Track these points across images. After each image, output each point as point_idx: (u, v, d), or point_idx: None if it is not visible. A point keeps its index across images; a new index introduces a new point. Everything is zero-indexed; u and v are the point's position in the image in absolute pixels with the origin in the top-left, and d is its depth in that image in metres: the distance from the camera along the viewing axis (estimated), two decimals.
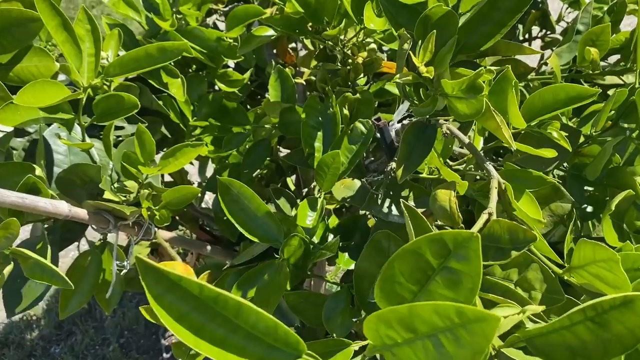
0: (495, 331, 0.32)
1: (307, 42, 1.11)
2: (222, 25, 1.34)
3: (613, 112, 0.70)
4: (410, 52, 0.48)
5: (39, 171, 0.72)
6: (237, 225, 0.68)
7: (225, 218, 1.09)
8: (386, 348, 0.38)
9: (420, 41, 0.48)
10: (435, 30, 0.47)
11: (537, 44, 1.19)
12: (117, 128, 0.93)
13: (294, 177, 1.23)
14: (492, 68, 0.47)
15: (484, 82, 0.45)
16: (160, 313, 0.36)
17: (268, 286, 0.64)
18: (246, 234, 0.67)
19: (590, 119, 0.76)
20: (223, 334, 0.37)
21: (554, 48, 1.11)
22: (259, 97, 1.48)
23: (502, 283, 0.50)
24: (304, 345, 0.38)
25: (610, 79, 0.88)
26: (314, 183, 0.87)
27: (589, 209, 0.72)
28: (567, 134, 0.62)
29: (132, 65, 0.75)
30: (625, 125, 0.69)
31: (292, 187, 1.15)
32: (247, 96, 1.30)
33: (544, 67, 0.93)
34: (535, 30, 1.18)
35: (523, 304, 0.44)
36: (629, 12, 0.87)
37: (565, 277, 0.51)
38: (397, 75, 0.49)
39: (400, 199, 0.49)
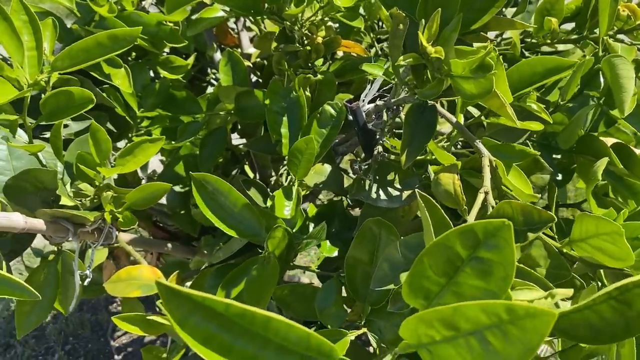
0: (550, 327, 0.31)
1: (253, 25, 1.07)
2: (153, 10, 1.26)
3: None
4: (419, 33, 0.46)
5: None
6: (215, 222, 0.64)
7: (182, 212, 1.04)
8: (422, 346, 0.36)
9: (423, 20, 0.46)
10: (440, 9, 0.45)
11: None
12: None
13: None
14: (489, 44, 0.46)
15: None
16: (185, 337, 0.33)
17: (257, 281, 0.61)
18: (227, 231, 0.64)
19: (552, 88, 0.77)
20: (253, 351, 0.34)
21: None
22: (197, 82, 1.42)
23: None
24: (337, 351, 0.37)
25: (562, 47, 0.90)
26: (283, 169, 0.84)
27: (559, 176, 0.74)
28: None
29: (82, 56, 0.68)
30: (591, 93, 0.71)
31: (251, 175, 1.12)
32: (188, 82, 1.24)
33: (498, 39, 0.94)
34: None
35: (538, 284, 0.44)
36: None
37: (565, 250, 0.52)
38: (401, 58, 0.47)
39: (415, 189, 0.47)
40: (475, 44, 0.54)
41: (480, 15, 0.50)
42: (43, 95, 0.70)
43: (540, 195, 0.55)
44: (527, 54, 0.93)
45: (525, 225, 0.46)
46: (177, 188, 1.01)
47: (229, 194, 0.64)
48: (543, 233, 0.55)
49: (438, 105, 0.54)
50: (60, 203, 0.71)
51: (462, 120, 0.61)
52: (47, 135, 0.89)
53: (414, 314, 0.35)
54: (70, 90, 0.67)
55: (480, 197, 0.52)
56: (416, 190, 0.44)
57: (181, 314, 0.33)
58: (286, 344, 0.35)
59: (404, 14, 0.47)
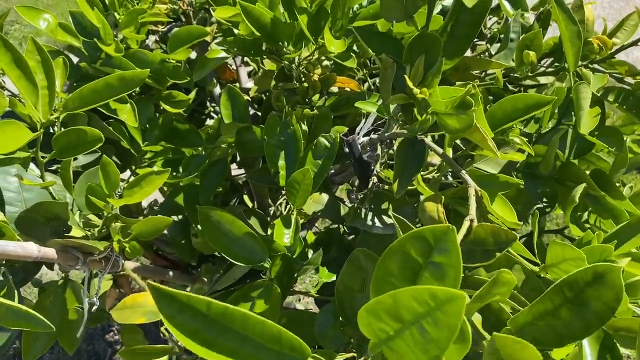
0: (463, 308, 0.35)
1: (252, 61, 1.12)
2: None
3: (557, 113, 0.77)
4: (405, 76, 0.51)
5: (1, 215, 0.69)
6: (220, 250, 0.68)
7: (183, 242, 1.07)
8: (383, 343, 0.39)
9: (408, 65, 0.52)
10: (424, 54, 0.50)
11: (467, 53, 1.26)
12: None
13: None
14: (471, 83, 0.51)
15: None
16: (175, 332, 0.38)
17: (262, 309, 0.64)
18: (230, 259, 0.67)
19: (531, 120, 0.82)
20: (233, 346, 0.39)
21: (487, 54, 1.18)
22: (197, 114, 1.47)
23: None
24: (308, 349, 0.41)
25: (544, 80, 0.96)
26: (282, 199, 0.88)
27: (540, 204, 0.79)
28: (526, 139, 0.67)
29: (91, 97, 0.73)
30: (568, 123, 0.76)
31: (250, 205, 1.16)
32: (188, 115, 1.29)
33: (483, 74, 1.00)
34: None
35: (515, 300, 0.48)
36: (554, 19, 0.95)
37: (542, 274, 0.56)
38: (390, 98, 0.52)
39: (390, 212, 0.51)
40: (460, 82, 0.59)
41: (457, 55, 0.54)
42: (52, 129, 0.74)
43: (522, 223, 0.59)
44: (510, 87, 0.98)
45: (495, 245, 0.51)
46: (177, 218, 1.04)
47: (233, 223, 0.68)
48: (525, 259, 0.60)
49: (427, 139, 0.59)
50: (70, 233, 0.75)
51: (450, 152, 0.65)
52: (54, 167, 0.93)
53: (362, 307, 0.39)
54: (82, 128, 0.71)
55: (466, 224, 0.56)
56: (391, 212, 0.48)
57: (169, 312, 0.38)
58: (262, 341, 0.39)
59: (392, 59, 0.52)
